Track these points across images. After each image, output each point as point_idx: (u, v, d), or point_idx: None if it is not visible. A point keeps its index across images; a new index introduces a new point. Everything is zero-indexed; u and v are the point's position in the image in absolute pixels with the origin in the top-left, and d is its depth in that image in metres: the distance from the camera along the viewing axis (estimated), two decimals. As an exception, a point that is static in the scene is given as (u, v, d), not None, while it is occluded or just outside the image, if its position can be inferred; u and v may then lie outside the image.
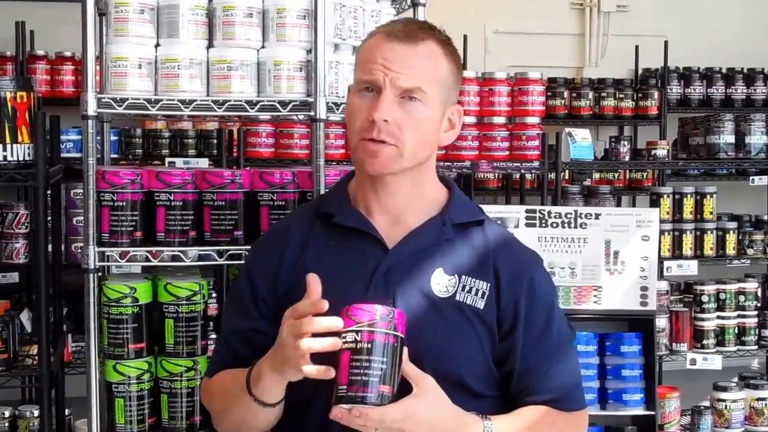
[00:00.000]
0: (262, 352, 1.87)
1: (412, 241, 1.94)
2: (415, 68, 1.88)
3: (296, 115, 2.77)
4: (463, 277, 1.93)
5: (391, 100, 1.87)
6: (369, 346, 1.72)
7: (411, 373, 1.78)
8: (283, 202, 2.68)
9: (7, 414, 4.04)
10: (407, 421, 1.75)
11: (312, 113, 2.68)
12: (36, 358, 2.97)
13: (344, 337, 1.73)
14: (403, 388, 1.77)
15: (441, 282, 1.92)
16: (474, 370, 1.92)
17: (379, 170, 1.90)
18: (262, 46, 2.70)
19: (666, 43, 6.85)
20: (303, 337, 1.73)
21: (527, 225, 3.58)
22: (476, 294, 1.92)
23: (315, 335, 1.73)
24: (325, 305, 1.75)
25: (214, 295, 4.23)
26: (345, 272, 1.93)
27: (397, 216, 1.97)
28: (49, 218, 3.29)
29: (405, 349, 1.77)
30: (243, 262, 2.67)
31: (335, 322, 1.73)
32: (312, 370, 1.73)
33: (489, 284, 1.93)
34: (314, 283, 1.78)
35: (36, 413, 3.84)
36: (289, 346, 1.75)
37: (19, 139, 2.78)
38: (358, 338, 1.72)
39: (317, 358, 1.75)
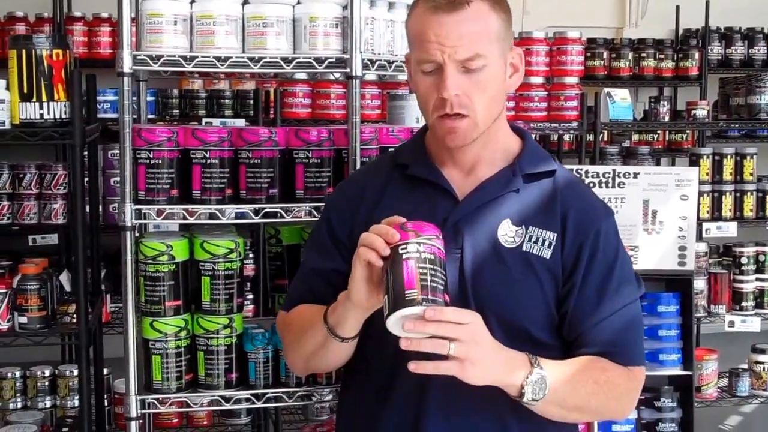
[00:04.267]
0: (339, 291, 1.92)
1: (480, 193, 1.99)
2: (469, 36, 1.89)
3: (332, 72, 2.75)
4: (530, 227, 1.96)
5: (455, 73, 1.90)
6: (432, 257, 1.75)
7: None
8: (319, 160, 2.67)
9: (47, 373, 4.12)
10: (477, 328, 1.78)
11: (348, 70, 2.66)
12: (74, 316, 3.00)
13: (405, 249, 1.75)
14: None
15: (508, 233, 1.96)
16: (538, 319, 1.96)
17: (460, 144, 1.96)
18: (298, 2, 2.68)
19: (707, 2, 6.74)
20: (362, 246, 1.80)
21: (564, 184, 3.55)
22: (543, 244, 1.96)
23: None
24: (401, 219, 1.81)
25: (251, 255, 4.24)
26: None
27: (470, 168, 2.02)
28: (87, 178, 3.31)
29: None
30: (279, 220, 2.68)
31: (389, 231, 1.78)
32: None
33: (556, 234, 1.96)
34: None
35: (75, 372, 3.91)
36: (355, 256, 1.82)
37: (56, 97, 2.78)
38: (421, 249, 1.75)
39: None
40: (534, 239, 1.96)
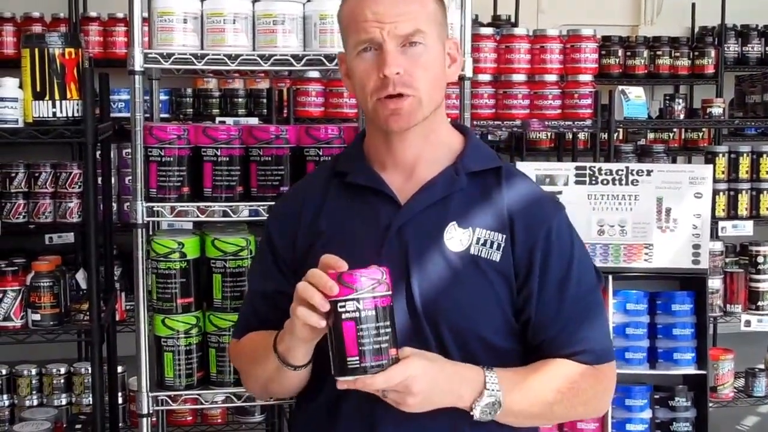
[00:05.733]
0: (286, 313, 1.83)
1: (423, 196, 1.91)
2: (407, 12, 1.84)
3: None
4: (478, 229, 1.88)
5: (395, 51, 1.83)
6: (372, 313, 1.67)
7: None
8: (329, 158, 2.66)
9: (63, 370, 4.13)
10: (411, 380, 1.72)
11: (358, 68, 2.66)
12: (87, 314, 3.01)
13: (343, 307, 1.67)
14: None
15: (454, 236, 1.88)
16: (491, 324, 1.88)
17: (405, 125, 1.87)
18: (308, 0, 2.69)
19: (723, 0, 6.71)
20: (301, 303, 1.71)
21: (577, 182, 3.53)
22: (491, 246, 1.87)
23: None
24: (340, 263, 1.71)
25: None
26: (359, 231, 1.91)
27: (411, 170, 1.94)
28: (100, 177, 3.32)
29: None
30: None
31: (327, 283, 1.68)
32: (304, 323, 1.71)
33: (504, 235, 1.88)
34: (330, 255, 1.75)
35: (90, 370, 3.92)
36: (292, 309, 1.74)
37: (68, 96, 2.80)
38: (361, 306, 1.66)
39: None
40: (482, 242, 1.87)
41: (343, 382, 1.69)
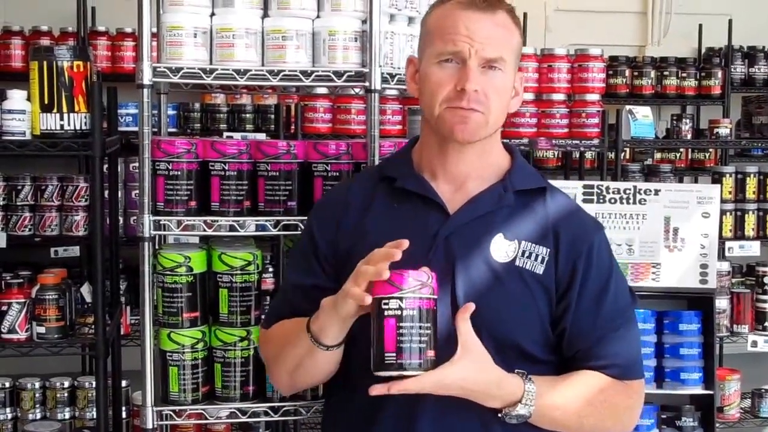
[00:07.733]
0: (319, 306, 1.91)
1: (472, 207, 1.98)
2: (497, 37, 1.93)
3: (351, 85, 2.75)
4: (523, 242, 1.96)
5: (477, 69, 1.91)
6: (414, 313, 1.74)
7: (461, 329, 1.82)
8: (337, 173, 2.67)
9: (66, 384, 4.14)
10: (442, 388, 1.80)
11: (367, 84, 2.67)
12: (92, 327, 3.00)
13: (387, 304, 1.74)
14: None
15: (501, 247, 1.95)
16: (531, 335, 1.95)
17: (468, 137, 1.95)
18: (318, 16, 2.69)
19: (730, 21, 6.70)
20: (360, 278, 1.79)
21: (584, 201, 3.52)
22: (536, 259, 1.95)
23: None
24: (398, 255, 1.78)
25: (270, 269, 4.22)
26: (406, 236, 1.94)
27: (461, 183, 2.01)
28: (107, 191, 3.32)
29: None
30: (297, 232, 2.68)
31: (380, 272, 1.76)
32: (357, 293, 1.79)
33: (549, 249, 1.96)
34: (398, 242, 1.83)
35: (94, 384, 3.91)
36: (349, 281, 1.81)
37: (76, 109, 2.80)
38: (403, 305, 1.73)
39: (358, 321, 1.83)
40: (527, 254, 1.95)
41: (375, 389, 1.76)
